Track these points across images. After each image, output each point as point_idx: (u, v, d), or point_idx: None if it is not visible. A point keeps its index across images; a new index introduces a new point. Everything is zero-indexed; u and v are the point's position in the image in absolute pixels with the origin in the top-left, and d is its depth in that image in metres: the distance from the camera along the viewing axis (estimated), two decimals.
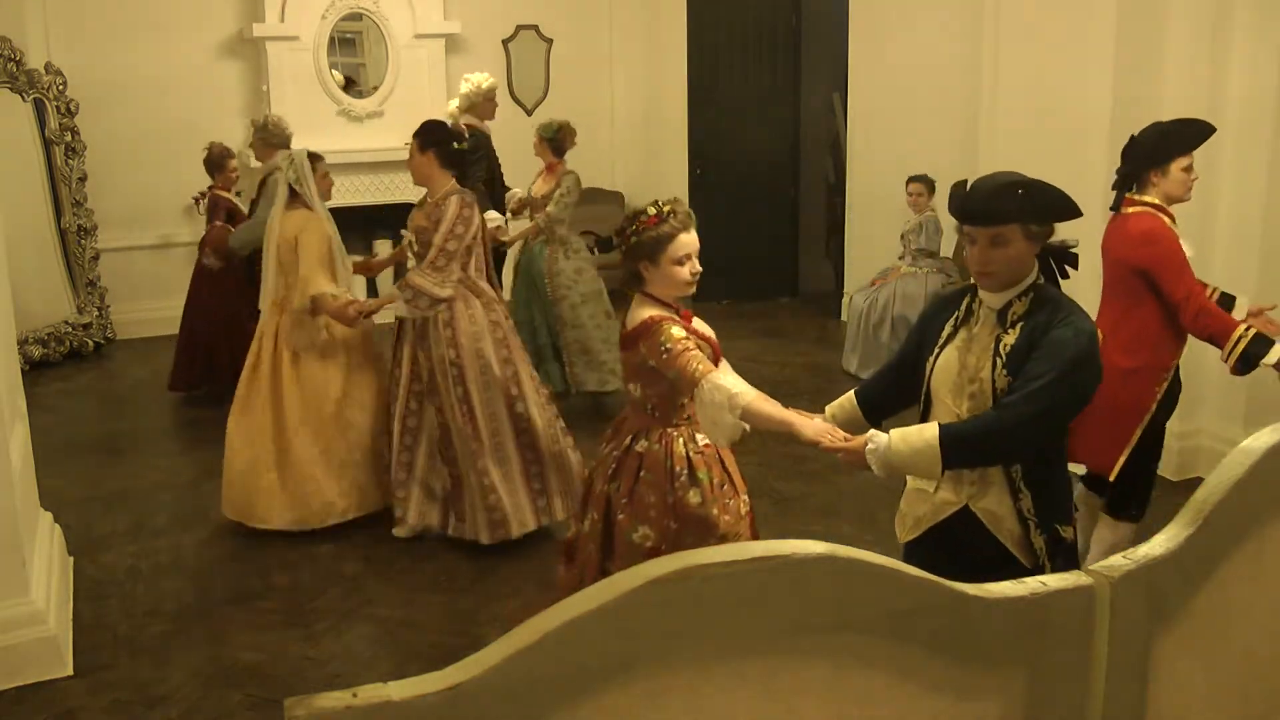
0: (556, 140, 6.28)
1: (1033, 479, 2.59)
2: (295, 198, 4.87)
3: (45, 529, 4.32)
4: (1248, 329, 3.79)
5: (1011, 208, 2.51)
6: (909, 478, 2.74)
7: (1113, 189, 3.96)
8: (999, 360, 2.55)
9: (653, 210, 2.99)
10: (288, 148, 6.11)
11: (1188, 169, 3.83)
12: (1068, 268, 2.65)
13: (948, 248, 7.00)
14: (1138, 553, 1.61)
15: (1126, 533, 4.05)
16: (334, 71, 8.85)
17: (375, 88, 8.94)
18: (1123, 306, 3.92)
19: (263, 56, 8.52)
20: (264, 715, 3.58)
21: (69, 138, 7.88)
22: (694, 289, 3.07)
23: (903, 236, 7.14)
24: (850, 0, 8.18)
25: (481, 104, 6.57)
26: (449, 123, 4.66)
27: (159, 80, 8.26)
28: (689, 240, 3.00)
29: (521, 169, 7.01)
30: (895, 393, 2.87)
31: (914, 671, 1.45)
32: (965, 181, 2.61)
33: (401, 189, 8.72)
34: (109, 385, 7.45)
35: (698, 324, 3.13)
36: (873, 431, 2.63)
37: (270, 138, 6.32)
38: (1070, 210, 2.53)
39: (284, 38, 8.47)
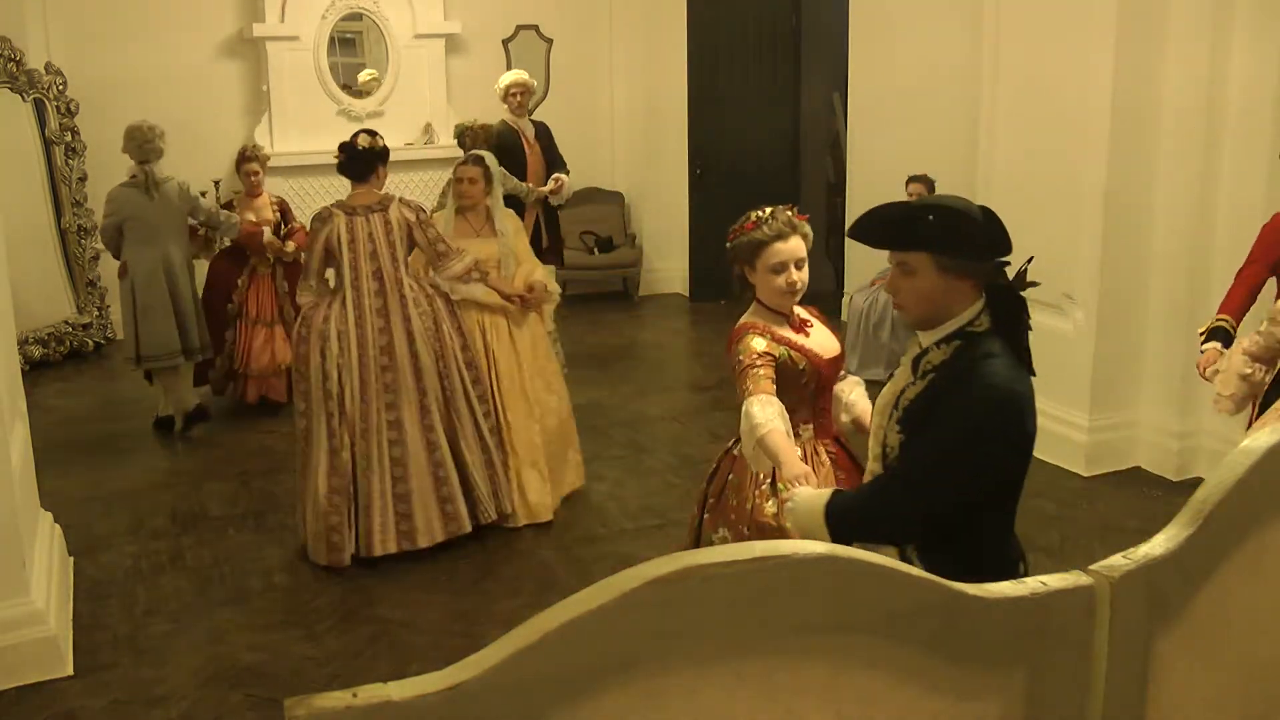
0: (460, 142, 6.53)
1: (931, 558, 2.22)
2: None
3: (45, 529, 4.32)
4: (1224, 319, 3.82)
5: (908, 233, 2.23)
6: None
7: None
8: (895, 412, 2.31)
9: (754, 215, 2.94)
10: (147, 162, 6.03)
11: None
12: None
13: None
14: (1138, 553, 1.61)
15: None
16: (366, 70, 8.91)
17: (368, 90, 8.94)
18: None
19: (263, 56, 8.51)
20: (264, 715, 3.59)
21: (69, 138, 7.88)
22: (796, 298, 2.98)
23: None
24: (850, 0, 8.18)
25: (505, 100, 7.01)
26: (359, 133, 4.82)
27: (159, 80, 8.25)
28: (785, 249, 2.90)
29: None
30: None
31: (914, 672, 1.45)
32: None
33: (401, 189, 8.70)
34: (109, 385, 7.44)
35: (816, 336, 3.02)
36: (796, 489, 2.48)
37: (126, 144, 6.06)
38: (992, 247, 2.21)
39: (284, 38, 8.46)
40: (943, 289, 2.22)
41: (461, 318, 4.84)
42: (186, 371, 6.40)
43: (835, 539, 2.22)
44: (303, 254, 5.92)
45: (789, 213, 2.94)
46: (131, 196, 6.07)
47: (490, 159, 5.20)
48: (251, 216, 6.51)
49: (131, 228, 6.06)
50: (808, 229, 2.96)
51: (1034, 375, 2.26)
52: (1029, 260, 2.25)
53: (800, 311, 3.05)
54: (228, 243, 6.65)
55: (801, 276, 2.95)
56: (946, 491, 2.21)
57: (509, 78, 7.15)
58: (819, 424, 3.10)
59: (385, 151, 4.73)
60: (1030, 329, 2.26)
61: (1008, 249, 2.24)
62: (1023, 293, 2.24)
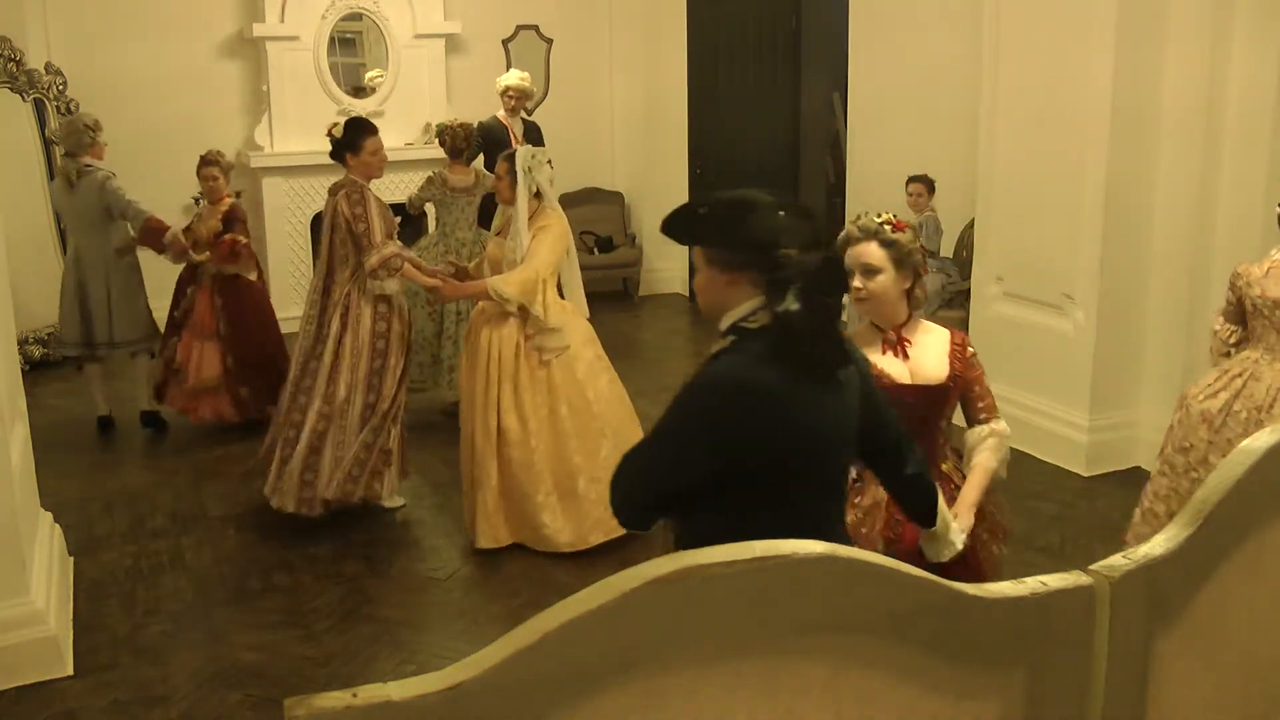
0: (441, 141, 6.60)
1: (685, 545, 2.14)
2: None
3: (45, 529, 4.32)
4: None
5: (678, 227, 2.24)
6: None
7: None
8: None
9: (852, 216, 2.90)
10: (72, 154, 6.06)
11: None
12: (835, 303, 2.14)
13: (948, 247, 7.00)
14: (1138, 553, 1.61)
15: None
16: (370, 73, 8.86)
17: (375, 88, 8.93)
18: None
19: (263, 56, 8.51)
20: (264, 715, 3.59)
21: None
22: (868, 306, 2.84)
23: None
24: (850, 0, 8.18)
25: (502, 98, 7.32)
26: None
27: (159, 80, 8.25)
28: (851, 254, 2.80)
29: None
30: None
31: (914, 671, 1.45)
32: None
33: (401, 189, 8.71)
34: (109, 385, 7.42)
35: (916, 358, 2.85)
36: None
37: (59, 134, 6.26)
38: (757, 252, 2.12)
39: (284, 38, 8.46)
40: (715, 282, 2.20)
41: (364, 317, 4.85)
42: (98, 373, 6.43)
43: (613, 507, 2.27)
44: (218, 266, 6.13)
45: (874, 217, 2.82)
46: (57, 189, 6.23)
47: (522, 155, 4.73)
48: (213, 223, 6.23)
49: (62, 219, 6.34)
50: (893, 236, 2.79)
51: (817, 376, 2.15)
52: (823, 256, 2.14)
53: (919, 330, 2.90)
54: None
55: (869, 285, 2.80)
56: (654, 472, 2.20)
57: (509, 78, 7.39)
58: None
59: (342, 140, 4.88)
60: (817, 331, 2.12)
61: (769, 251, 2.12)
62: (829, 294, 2.12)
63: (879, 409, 2.36)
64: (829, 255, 2.15)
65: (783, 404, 2.11)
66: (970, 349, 2.93)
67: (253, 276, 6.32)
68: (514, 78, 7.43)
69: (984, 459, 2.91)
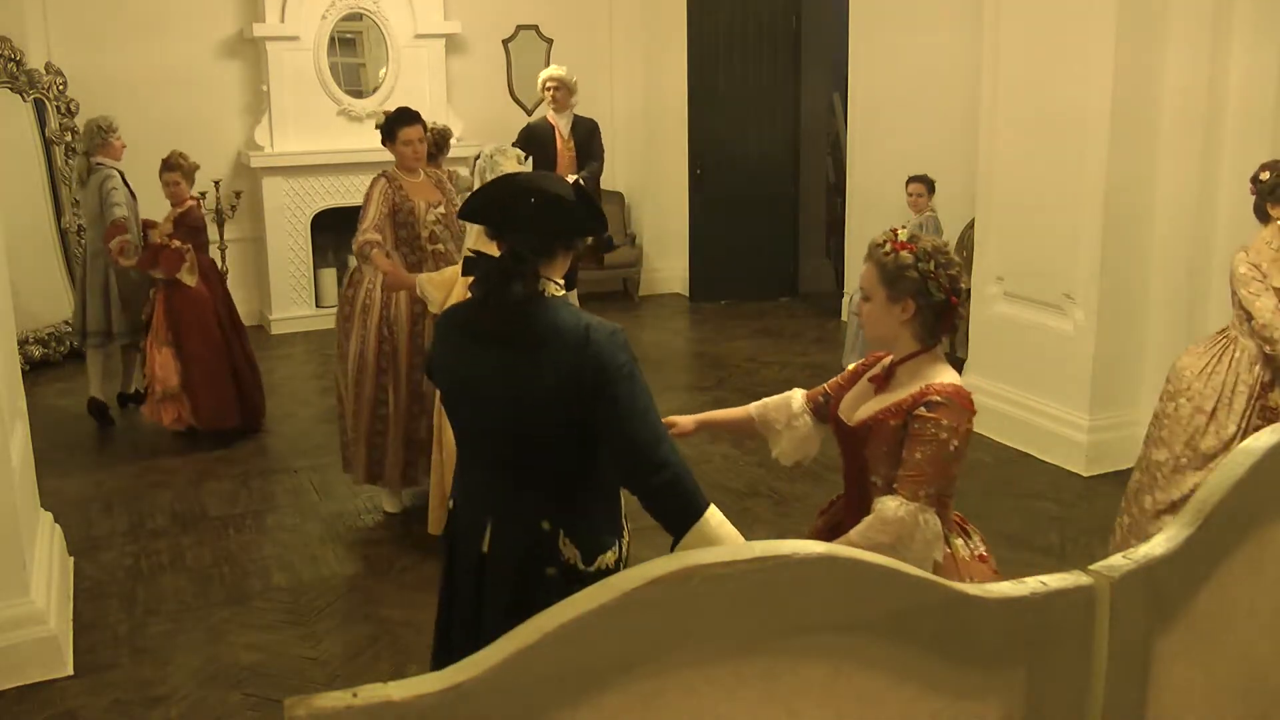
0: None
1: None
2: None
3: (45, 529, 4.32)
4: None
5: None
6: None
7: None
8: None
9: None
10: (88, 154, 6.22)
11: None
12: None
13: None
14: (1138, 553, 1.61)
15: None
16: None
17: (375, 88, 8.93)
18: None
19: (263, 56, 8.51)
20: (264, 715, 3.59)
21: (69, 138, 7.87)
22: (867, 335, 2.66)
23: None
24: (850, 0, 8.18)
25: (543, 94, 7.22)
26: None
27: (159, 80, 8.25)
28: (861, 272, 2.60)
29: None
30: None
31: (914, 671, 1.45)
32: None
33: None
34: (109, 385, 7.43)
35: (879, 396, 2.55)
36: None
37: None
38: (496, 230, 2.44)
39: (284, 38, 8.46)
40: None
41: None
42: (96, 359, 6.52)
43: None
44: (140, 271, 6.11)
45: (882, 235, 2.54)
46: (77, 186, 6.66)
47: (483, 157, 4.48)
48: (166, 227, 6.15)
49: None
50: (884, 256, 2.48)
51: (474, 337, 2.40)
52: (514, 244, 2.36)
53: (922, 374, 2.49)
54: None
55: (862, 309, 2.59)
56: None
57: (544, 73, 7.33)
58: (850, 493, 2.67)
59: (382, 129, 5.07)
60: (482, 301, 2.37)
61: (509, 228, 2.40)
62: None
63: (607, 416, 2.27)
64: (517, 248, 2.33)
65: (447, 345, 2.48)
66: (923, 409, 2.41)
67: (190, 282, 6.06)
68: (549, 70, 7.33)
69: (849, 534, 2.41)
